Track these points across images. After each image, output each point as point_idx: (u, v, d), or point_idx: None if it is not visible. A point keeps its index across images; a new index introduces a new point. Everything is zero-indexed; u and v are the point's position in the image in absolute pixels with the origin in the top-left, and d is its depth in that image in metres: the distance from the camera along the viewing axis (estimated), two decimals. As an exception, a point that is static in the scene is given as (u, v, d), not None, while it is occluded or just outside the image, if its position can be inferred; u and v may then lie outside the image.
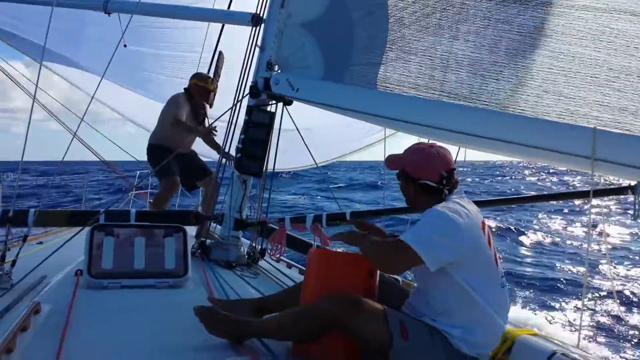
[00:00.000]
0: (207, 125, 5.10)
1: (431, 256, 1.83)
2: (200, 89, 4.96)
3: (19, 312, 2.14)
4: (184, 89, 5.00)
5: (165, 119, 4.85)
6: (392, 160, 2.24)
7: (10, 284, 2.74)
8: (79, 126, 4.06)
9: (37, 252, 3.51)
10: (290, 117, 3.73)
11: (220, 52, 5.31)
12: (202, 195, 5.20)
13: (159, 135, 4.91)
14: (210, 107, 5.13)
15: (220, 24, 5.05)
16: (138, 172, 7.42)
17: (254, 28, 3.78)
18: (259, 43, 3.69)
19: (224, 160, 4.20)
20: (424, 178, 2.08)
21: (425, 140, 2.57)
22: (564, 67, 2.87)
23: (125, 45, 3.86)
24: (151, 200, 5.43)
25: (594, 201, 3.00)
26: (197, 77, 5.04)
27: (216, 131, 4.89)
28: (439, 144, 2.25)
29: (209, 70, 5.43)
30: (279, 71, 3.63)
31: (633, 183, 2.70)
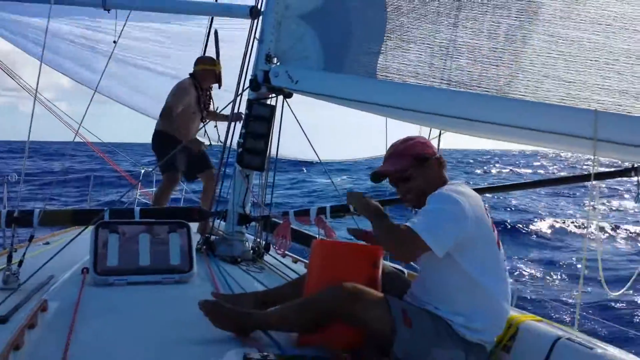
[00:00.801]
0: (212, 108, 5.08)
1: (439, 243, 1.84)
2: (210, 73, 4.90)
3: (28, 310, 2.16)
4: (190, 74, 4.92)
5: (168, 107, 4.75)
6: (393, 163, 2.17)
7: (18, 284, 2.75)
8: (83, 118, 3.92)
9: (44, 252, 3.53)
10: (291, 110, 3.73)
11: (216, 31, 5.27)
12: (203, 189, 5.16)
13: (166, 123, 4.78)
14: (220, 87, 5.08)
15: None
16: (142, 170, 7.42)
17: (253, 21, 3.77)
18: (257, 36, 3.69)
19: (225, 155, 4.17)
20: (435, 153, 2.17)
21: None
22: (563, 52, 2.86)
23: (115, 42, 3.85)
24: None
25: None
26: (203, 61, 4.98)
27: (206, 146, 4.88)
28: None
29: (204, 52, 5.40)
30: (278, 63, 3.63)
31: (636, 164, 2.69)
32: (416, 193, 2.12)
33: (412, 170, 2.13)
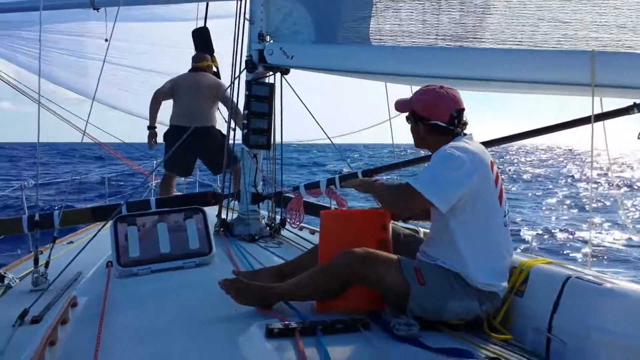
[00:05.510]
0: None
1: (440, 198, 1.90)
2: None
3: (59, 308, 2.25)
4: (214, 72, 5.07)
5: (214, 104, 4.91)
6: (401, 103, 2.26)
7: (47, 284, 2.85)
8: (89, 114, 3.93)
9: (68, 251, 3.64)
10: (290, 86, 3.75)
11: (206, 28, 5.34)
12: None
13: (214, 118, 4.94)
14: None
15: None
16: (155, 162, 7.47)
17: (240, 2, 3.76)
18: (247, 16, 3.68)
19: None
20: (434, 118, 2.11)
21: None
22: (557, -9, 2.82)
23: (105, 40, 3.86)
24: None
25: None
26: (213, 58, 5.10)
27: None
28: (448, 85, 2.22)
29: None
30: (271, 41, 3.63)
31: (638, 101, 2.66)
32: (415, 137, 2.23)
33: (411, 120, 2.21)
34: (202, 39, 5.20)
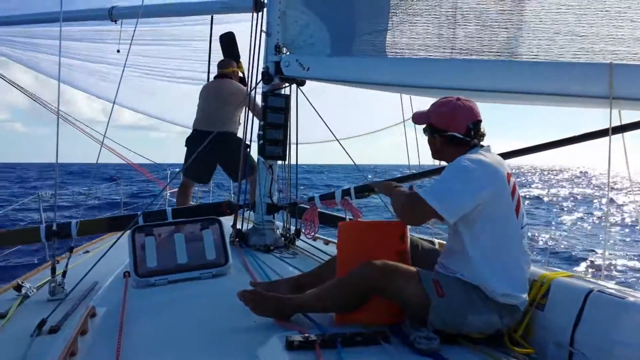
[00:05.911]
0: None
1: (447, 208, 1.90)
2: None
3: (77, 318, 2.27)
4: (240, 78, 5.05)
5: (236, 110, 4.84)
6: (418, 116, 2.28)
7: (65, 293, 2.87)
8: (106, 130, 3.99)
9: (85, 261, 3.67)
10: (306, 97, 3.77)
11: (232, 33, 5.34)
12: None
13: (236, 125, 4.89)
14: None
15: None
16: (169, 171, 7.53)
17: (257, 14, 3.80)
18: (263, 28, 3.72)
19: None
20: (451, 130, 2.12)
21: None
22: (573, 5, 2.83)
23: (118, 51, 3.91)
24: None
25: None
26: (239, 64, 5.11)
27: None
28: (464, 97, 2.22)
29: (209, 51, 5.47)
30: (288, 53, 3.67)
31: (658, 112, 2.66)
32: (432, 148, 2.24)
33: (428, 132, 2.23)
34: (228, 44, 5.22)
